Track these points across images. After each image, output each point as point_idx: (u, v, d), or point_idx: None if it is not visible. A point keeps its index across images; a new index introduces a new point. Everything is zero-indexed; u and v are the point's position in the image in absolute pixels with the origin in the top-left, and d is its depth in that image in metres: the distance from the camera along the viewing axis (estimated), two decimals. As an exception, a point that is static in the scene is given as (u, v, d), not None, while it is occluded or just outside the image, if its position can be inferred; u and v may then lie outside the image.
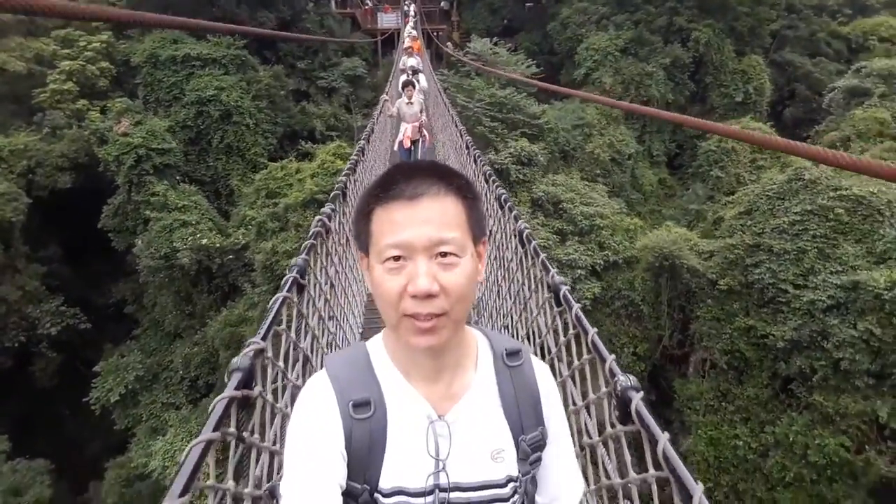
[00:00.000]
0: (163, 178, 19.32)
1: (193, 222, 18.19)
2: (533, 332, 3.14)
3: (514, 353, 1.22)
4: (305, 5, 27.09)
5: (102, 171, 19.82)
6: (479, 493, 1.13)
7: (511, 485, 1.15)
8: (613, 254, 17.20)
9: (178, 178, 19.99)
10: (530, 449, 1.17)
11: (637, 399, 1.57)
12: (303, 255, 2.89)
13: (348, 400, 1.09)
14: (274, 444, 1.91)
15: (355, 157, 7.00)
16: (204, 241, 17.42)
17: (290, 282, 2.52)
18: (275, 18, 24.73)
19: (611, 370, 1.82)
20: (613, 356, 1.84)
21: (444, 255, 1.02)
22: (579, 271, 16.59)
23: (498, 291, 4.32)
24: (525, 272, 3.36)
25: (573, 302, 2.35)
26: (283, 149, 22.55)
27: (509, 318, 3.89)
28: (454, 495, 1.12)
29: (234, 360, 1.73)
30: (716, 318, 15.72)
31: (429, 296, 1.00)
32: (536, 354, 1.91)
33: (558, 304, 2.56)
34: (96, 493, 19.25)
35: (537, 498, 1.23)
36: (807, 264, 14.44)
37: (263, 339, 1.93)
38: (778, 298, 14.61)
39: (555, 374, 2.01)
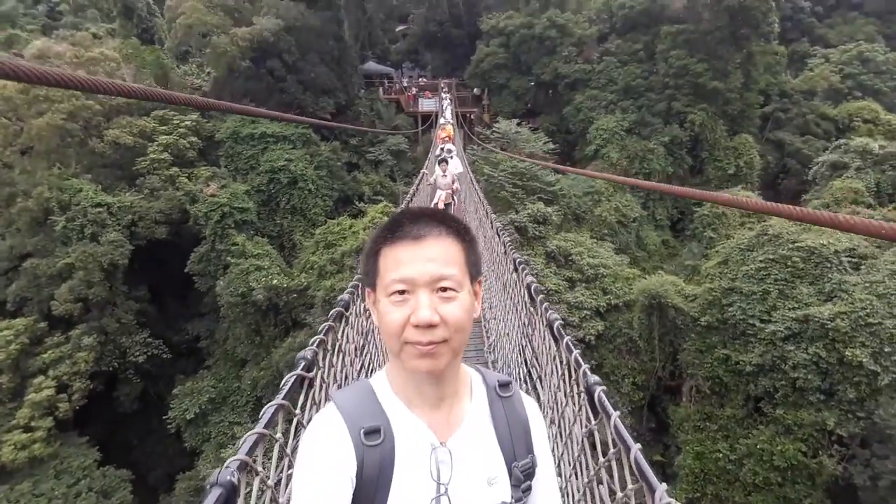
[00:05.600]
0: (241, 231, 23.40)
1: (266, 267, 21.99)
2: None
3: (505, 385, 1.28)
4: (358, 92, 31.92)
5: (191, 226, 23.94)
6: None
7: None
8: (615, 298, 20.25)
9: (252, 232, 24.01)
10: (522, 476, 1.21)
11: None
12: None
13: (359, 428, 1.13)
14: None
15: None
16: (274, 281, 21.18)
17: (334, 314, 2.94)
18: (333, 103, 29.37)
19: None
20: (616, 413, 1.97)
21: (445, 289, 1.11)
22: (585, 312, 19.72)
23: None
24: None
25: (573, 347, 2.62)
26: (337, 210, 26.61)
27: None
28: None
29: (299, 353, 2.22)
30: (699, 349, 18.59)
31: (430, 326, 1.08)
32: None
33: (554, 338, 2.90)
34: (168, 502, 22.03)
35: None
36: (770, 303, 17.44)
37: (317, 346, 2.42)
38: (747, 331, 17.55)
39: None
